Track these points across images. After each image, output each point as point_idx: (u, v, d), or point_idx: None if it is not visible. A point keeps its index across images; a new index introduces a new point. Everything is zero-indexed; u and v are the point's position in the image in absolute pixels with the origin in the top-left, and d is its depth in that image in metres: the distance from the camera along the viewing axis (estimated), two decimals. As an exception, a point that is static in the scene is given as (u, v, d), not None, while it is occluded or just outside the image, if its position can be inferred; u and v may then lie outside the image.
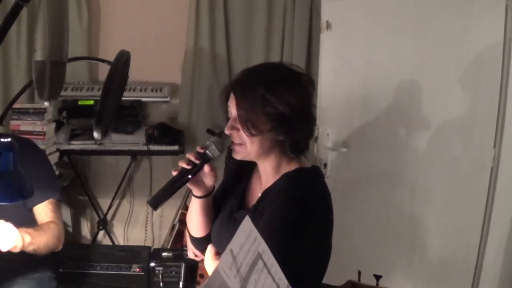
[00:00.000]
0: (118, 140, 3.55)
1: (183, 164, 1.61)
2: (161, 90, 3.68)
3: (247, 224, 1.27)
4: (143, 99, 3.67)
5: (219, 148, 1.63)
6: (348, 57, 3.33)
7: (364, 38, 3.30)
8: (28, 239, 1.99)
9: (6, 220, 2.11)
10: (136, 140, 3.56)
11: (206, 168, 1.63)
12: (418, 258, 3.37)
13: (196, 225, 1.80)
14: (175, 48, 3.73)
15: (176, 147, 3.54)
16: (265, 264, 1.20)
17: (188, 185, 1.66)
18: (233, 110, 1.61)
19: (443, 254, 3.27)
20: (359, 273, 2.05)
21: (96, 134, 1.16)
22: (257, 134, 1.57)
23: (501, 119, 2.98)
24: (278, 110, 1.55)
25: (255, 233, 1.25)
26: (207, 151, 1.63)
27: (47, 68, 1.00)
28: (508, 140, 2.97)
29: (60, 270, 2.86)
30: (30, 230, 2.05)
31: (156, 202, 1.59)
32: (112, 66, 1.10)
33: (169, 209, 3.91)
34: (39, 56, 1.03)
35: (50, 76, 1.00)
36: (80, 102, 3.60)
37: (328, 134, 3.37)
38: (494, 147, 3.02)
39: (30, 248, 2.03)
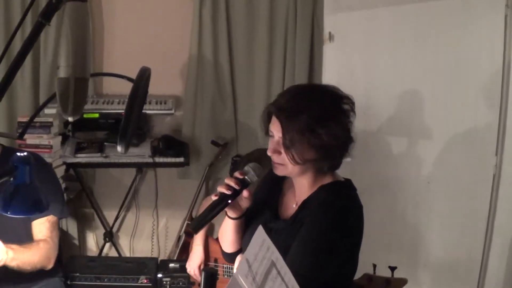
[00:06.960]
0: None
1: (222, 190, 1.66)
2: (165, 103, 3.69)
3: (260, 233, 1.31)
4: (148, 112, 3.68)
5: (257, 173, 1.69)
6: (350, 67, 3.37)
7: (366, 49, 3.34)
8: (11, 254, 2.01)
9: (7, 232, 2.14)
10: (141, 153, 3.56)
11: (245, 192, 1.69)
12: (422, 266, 3.39)
13: (228, 242, 1.87)
14: (179, 61, 3.76)
15: (181, 159, 3.55)
16: (278, 272, 1.23)
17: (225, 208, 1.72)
18: (276, 133, 1.66)
19: (447, 261, 3.29)
20: (374, 266, 2.12)
21: (119, 148, 1.20)
22: (301, 163, 1.64)
23: (503, 126, 3.01)
24: (323, 142, 1.61)
25: (268, 242, 1.28)
26: (246, 177, 1.68)
27: (71, 85, 1.04)
28: (510, 147, 3.00)
29: (68, 282, 2.88)
30: (15, 246, 2.07)
31: (197, 226, 1.66)
32: (135, 82, 1.15)
33: (174, 221, 3.93)
34: (62, 73, 1.07)
35: (73, 92, 1.05)
36: (85, 115, 3.60)
37: (331, 144, 3.40)
38: (496, 154, 3.05)
39: (13, 264, 2.05)
